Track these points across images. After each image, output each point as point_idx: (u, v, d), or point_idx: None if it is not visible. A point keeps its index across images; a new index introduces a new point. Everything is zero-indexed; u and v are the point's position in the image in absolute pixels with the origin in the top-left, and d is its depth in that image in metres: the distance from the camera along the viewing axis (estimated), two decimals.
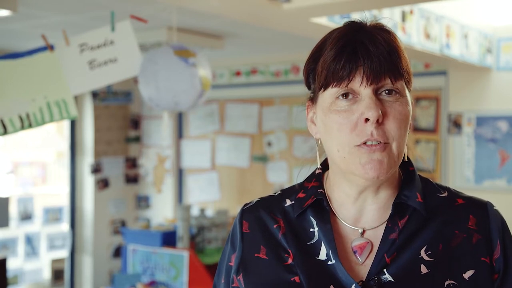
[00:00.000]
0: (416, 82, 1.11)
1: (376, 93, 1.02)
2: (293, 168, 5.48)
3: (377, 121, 1.01)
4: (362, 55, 1.01)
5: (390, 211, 1.08)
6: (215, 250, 4.56)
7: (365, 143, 1.02)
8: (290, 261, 1.08)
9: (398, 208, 1.08)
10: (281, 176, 5.55)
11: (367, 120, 1.01)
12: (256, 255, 1.11)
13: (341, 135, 1.03)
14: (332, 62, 1.03)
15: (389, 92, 1.03)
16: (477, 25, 4.44)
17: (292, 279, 1.06)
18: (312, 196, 1.12)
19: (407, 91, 1.06)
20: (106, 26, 2.72)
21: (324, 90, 1.06)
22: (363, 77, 1.01)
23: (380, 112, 1.01)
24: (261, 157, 5.67)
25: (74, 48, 2.68)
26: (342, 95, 1.03)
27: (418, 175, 1.14)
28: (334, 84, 1.03)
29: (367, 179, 1.04)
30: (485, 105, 4.74)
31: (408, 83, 1.07)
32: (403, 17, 3.56)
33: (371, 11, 3.19)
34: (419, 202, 1.08)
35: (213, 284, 1.21)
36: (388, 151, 1.02)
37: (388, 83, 1.02)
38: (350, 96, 1.03)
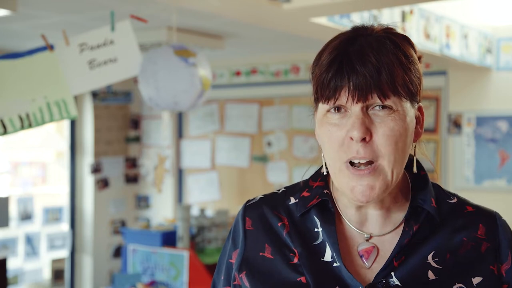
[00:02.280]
0: None
1: (367, 108, 1.00)
2: (293, 168, 5.48)
3: (364, 139, 0.99)
4: (347, 72, 0.99)
5: (396, 218, 1.07)
6: (215, 250, 4.56)
7: (353, 162, 1.00)
8: (295, 260, 1.06)
9: (413, 212, 1.07)
10: (281, 176, 5.55)
11: (352, 138, 1.00)
12: (261, 254, 1.10)
13: (331, 150, 1.03)
14: (321, 77, 1.02)
15: (382, 107, 1.00)
16: (477, 25, 4.44)
17: (298, 279, 1.04)
18: (317, 196, 1.11)
19: (407, 105, 1.02)
20: (106, 26, 2.72)
21: (318, 102, 1.06)
22: (348, 95, 0.99)
23: (365, 131, 0.98)
24: (261, 157, 5.67)
25: (74, 48, 2.68)
26: (334, 108, 1.02)
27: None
28: (323, 99, 1.03)
29: (357, 202, 1.03)
30: (485, 105, 4.74)
31: (410, 97, 1.02)
32: (403, 17, 3.56)
33: (371, 11, 3.19)
34: (433, 207, 1.07)
35: (212, 281, 1.20)
36: (379, 172, 1.00)
37: (377, 101, 0.99)
38: (342, 110, 1.02)
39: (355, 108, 1.00)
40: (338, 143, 1.01)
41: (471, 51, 4.35)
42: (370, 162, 1.00)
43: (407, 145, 1.03)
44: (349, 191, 1.01)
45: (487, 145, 4.72)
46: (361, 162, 1.00)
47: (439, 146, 4.88)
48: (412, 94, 1.03)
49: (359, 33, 1.04)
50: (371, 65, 0.98)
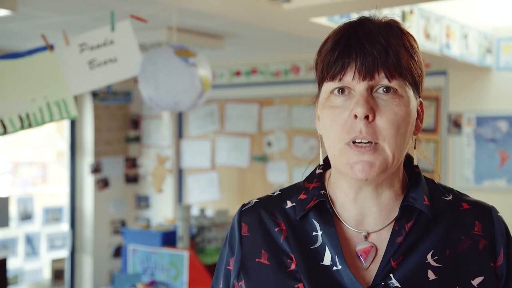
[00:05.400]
0: None
1: (371, 90, 1.00)
2: (293, 168, 5.48)
3: (368, 118, 0.98)
4: (355, 49, 0.99)
5: (394, 214, 1.06)
6: (215, 250, 4.56)
7: (354, 142, 0.99)
8: (293, 266, 1.04)
9: (405, 211, 1.06)
10: (281, 176, 5.55)
11: (356, 116, 0.99)
12: (257, 260, 1.07)
13: (333, 131, 1.02)
14: (327, 55, 1.02)
15: (387, 90, 1.00)
16: (477, 25, 4.44)
17: (296, 286, 1.02)
18: (314, 197, 1.09)
19: (410, 92, 1.03)
20: (106, 26, 2.72)
21: (322, 84, 1.05)
22: (355, 71, 0.99)
23: (369, 109, 0.98)
24: (261, 157, 5.67)
25: (74, 48, 2.68)
26: (338, 90, 1.02)
27: (424, 176, 1.12)
28: (329, 78, 1.02)
29: (356, 180, 1.02)
30: (485, 105, 4.74)
31: (413, 85, 1.03)
32: (403, 17, 3.56)
33: (370, 11, 3.19)
34: (426, 205, 1.05)
35: (211, 287, 1.18)
36: (380, 152, 0.99)
37: (383, 81, 0.99)
38: (346, 92, 1.01)
39: (360, 87, 1.00)
40: (341, 124, 1.00)
41: (471, 51, 4.35)
42: (371, 143, 1.00)
43: (408, 133, 1.03)
44: (349, 168, 1.00)
45: (487, 145, 4.72)
46: (362, 141, 0.99)
47: (439, 146, 4.88)
48: (416, 82, 1.04)
49: (366, 19, 1.06)
50: (380, 45, 0.99)
